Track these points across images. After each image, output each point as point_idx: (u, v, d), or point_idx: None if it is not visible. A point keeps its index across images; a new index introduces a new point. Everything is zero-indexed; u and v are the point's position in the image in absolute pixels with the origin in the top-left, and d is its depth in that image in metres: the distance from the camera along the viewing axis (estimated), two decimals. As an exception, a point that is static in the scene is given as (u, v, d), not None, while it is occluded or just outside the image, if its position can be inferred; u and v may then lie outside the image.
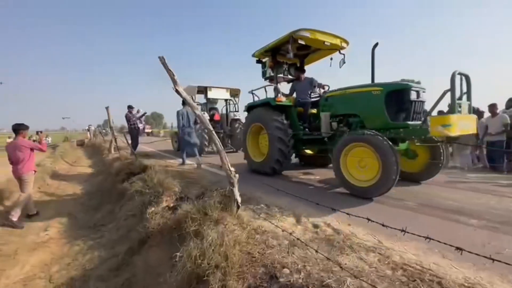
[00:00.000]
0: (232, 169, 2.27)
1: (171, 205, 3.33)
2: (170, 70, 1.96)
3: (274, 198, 3.15)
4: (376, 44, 3.70)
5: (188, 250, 1.82)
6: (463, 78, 3.15)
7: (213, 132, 2.17)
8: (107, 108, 7.95)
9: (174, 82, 1.99)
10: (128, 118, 8.25)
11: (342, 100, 3.95)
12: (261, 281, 1.52)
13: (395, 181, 2.88)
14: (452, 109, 2.84)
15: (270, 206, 2.87)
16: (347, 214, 1.66)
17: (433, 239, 1.11)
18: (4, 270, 2.83)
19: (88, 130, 22.26)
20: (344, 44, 4.58)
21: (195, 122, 6.15)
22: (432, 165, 3.71)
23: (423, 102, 3.46)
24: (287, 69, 5.37)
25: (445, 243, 1.16)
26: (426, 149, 3.74)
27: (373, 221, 1.50)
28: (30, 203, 4.38)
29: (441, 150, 3.62)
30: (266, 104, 4.68)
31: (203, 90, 8.98)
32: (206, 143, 8.16)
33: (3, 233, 3.67)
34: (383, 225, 1.40)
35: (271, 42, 4.54)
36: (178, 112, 5.97)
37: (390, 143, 2.90)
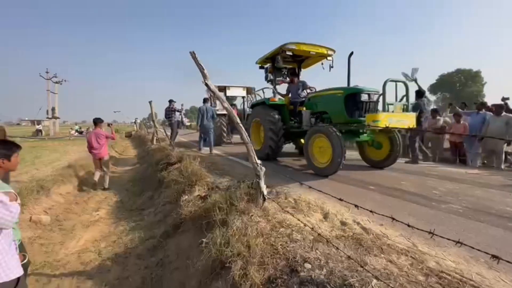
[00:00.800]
0: (259, 161, 2.29)
1: (203, 194, 3.50)
2: (200, 64, 2.03)
3: (301, 192, 3.11)
4: (351, 53, 4.53)
5: (214, 238, 1.90)
6: (403, 84, 4.02)
7: (241, 125, 2.21)
8: (150, 102, 8.57)
9: (204, 76, 2.06)
10: (168, 111, 8.89)
11: (317, 101, 4.83)
12: (281, 273, 1.53)
13: (340, 162, 3.75)
14: (383, 109, 3.69)
15: (298, 201, 2.83)
16: (371, 212, 1.57)
17: (465, 244, 0.99)
18: (64, 242, 3.29)
19: (135, 122, 24.36)
20: (330, 52, 5.47)
21: (213, 117, 7.29)
22: (392, 155, 4.52)
23: (374, 102, 4.14)
24: (285, 73, 6.27)
25: (478, 250, 1.04)
26: (388, 142, 4.54)
27: (398, 221, 1.39)
28: (107, 180, 5.75)
29: (398, 142, 4.42)
30: (263, 103, 5.71)
31: (222, 88, 9.91)
32: (225, 134, 9.20)
33: (64, 212, 4.25)
34: (408, 226, 1.29)
35: (268, 53, 5.56)
36: (199, 108, 7.25)
37: (338, 133, 3.79)
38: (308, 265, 1.57)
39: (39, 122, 21.82)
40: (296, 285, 1.41)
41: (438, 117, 6.58)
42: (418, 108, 5.46)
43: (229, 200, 2.32)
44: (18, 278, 1.11)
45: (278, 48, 5.22)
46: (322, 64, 5.78)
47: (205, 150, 7.19)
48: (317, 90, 5.36)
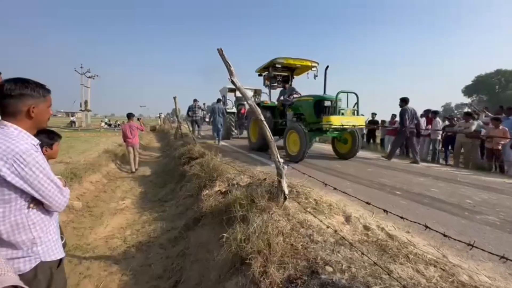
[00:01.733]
0: (281, 160, 2.27)
1: (223, 190, 3.56)
2: (227, 61, 2.05)
3: (323, 194, 3.05)
4: (327, 67, 5.96)
5: (234, 233, 1.93)
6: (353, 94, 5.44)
7: (264, 123, 2.20)
8: (174, 98, 8.81)
9: (231, 73, 2.07)
10: (192, 109, 10.05)
11: (298, 104, 6.17)
12: (301, 273, 1.52)
13: (305, 152, 5.08)
14: (336, 113, 5.15)
15: (319, 202, 2.79)
16: (401, 218, 1.50)
17: (510, 260, 0.92)
18: (93, 228, 3.50)
19: (159, 117, 25.28)
20: (314, 64, 6.78)
21: (223, 114, 8.99)
22: (355, 149, 5.73)
23: (335, 107, 5.30)
24: (280, 80, 7.73)
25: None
26: (351, 138, 5.78)
27: (433, 229, 1.31)
28: (137, 163, 7.05)
29: (356, 139, 5.64)
30: (258, 104, 6.80)
31: (233, 90, 11.27)
32: (233, 129, 10.70)
33: (94, 199, 4.53)
34: (444, 235, 1.22)
35: (263, 64, 7.05)
36: (213, 107, 8.98)
37: (305, 131, 5.07)
38: (329, 268, 1.54)
39: (72, 114, 23.35)
40: (316, 287, 1.40)
41: (471, 121, 6.14)
42: (405, 113, 5.77)
43: (250, 197, 2.34)
44: (61, 259, 1.19)
45: (270, 61, 6.70)
46: (307, 74, 7.06)
47: (222, 143, 8.72)
48: (301, 95, 6.59)
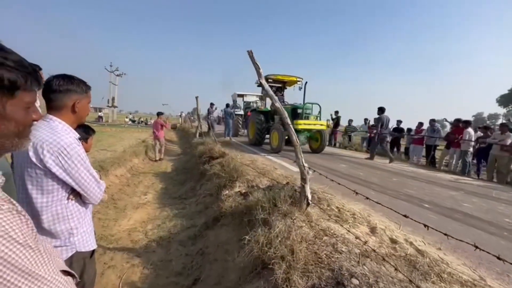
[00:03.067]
0: (306, 165, 2.23)
1: (243, 191, 3.56)
2: (256, 63, 2.04)
3: (345, 201, 2.95)
4: (306, 82, 7.97)
5: (256, 236, 1.91)
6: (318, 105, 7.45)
7: (291, 126, 2.17)
8: (196, 97, 8.98)
9: (259, 75, 2.07)
10: (209, 112, 11.37)
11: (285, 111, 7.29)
12: (326, 284, 1.46)
13: (282, 145, 6.83)
14: (302, 118, 6.92)
15: (342, 210, 2.70)
16: (445, 235, 1.40)
17: None
18: (117, 220, 3.64)
19: (180, 116, 25.95)
20: (299, 79, 8.66)
21: (232, 116, 10.94)
22: (323, 145, 7.44)
23: (307, 114, 7.16)
24: (275, 90, 9.33)
25: None
26: (320, 137, 7.46)
27: (484, 250, 1.21)
28: (162, 153, 8.41)
29: (323, 138, 7.35)
30: (255, 109, 9.37)
31: (242, 95, 13.81)
32: (240, 128, 12.83)
33: (118, 192, 4.71)
34: (475, 247, 1.12)
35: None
36: (225, 111, 10.88)
37: (283, 130, 6.55)
38: (355, 281, 1.47)
39: (100, 110, 24.56)
40: (342, 300, 1.34)
41: (508, 133, 5.70)
42: (379, 120, 7.03)
43: (272, 201, 2.31)
44: (93, 251, 1.24)
45: (264, 76, 8.45)
46: (294, 87, 9.22)
47: (228, 138, 10.35)
48: (287, 103, 8.68)
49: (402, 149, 9.58)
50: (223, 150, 5.34)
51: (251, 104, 12.28)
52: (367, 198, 2.09)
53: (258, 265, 1.78)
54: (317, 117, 7.35)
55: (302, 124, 6.80)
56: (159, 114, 8.75)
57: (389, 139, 9.80)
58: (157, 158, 8.05)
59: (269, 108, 8.85)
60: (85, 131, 1.88)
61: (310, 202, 2.27)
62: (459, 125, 7.25)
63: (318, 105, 7.49)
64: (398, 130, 9.18)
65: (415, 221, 1.58)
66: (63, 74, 1.11)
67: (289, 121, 2.19)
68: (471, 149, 6.87)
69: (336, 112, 11.42)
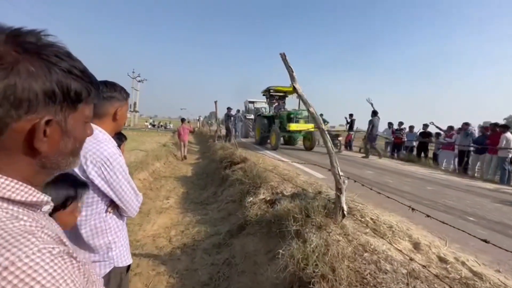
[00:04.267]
0: (341, 173, 2.08)
1: (268, 198, 3.45)
2: (289, 66, 1.95)
3: (378, 212, 2.76)
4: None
5: (290, 250, 1.79)
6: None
7: (325, 132, 2.04)
8: (215, 102, 9.04)
9: (292, 79, 1.96)
10: (227, 116, 11.50)
11: (282, 116, 9.58)
12: (376, 310, 1.31)
13: (279, 144, 8.73)
14: (292, 121, 8.88)
15: (377, 222, 2.51)
16: (485, 241, 1.21)
17: None
18: (142, 225, 3.64)
19: (198, 120, 26.39)
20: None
21: (241, 120, 13.20)
22: (313, 144, 9.10)
23: (298, 118, 8.98)
24: (277, 98, 11.07)
25: None
26: (311, 138, 9.10)
27: None
28: (185, 152, 9.57)
29: (313, 138, 9.06)
30: (260, 115, 11.33)
31: (252, 102, 16.18)
32: (250, 130, 14.24)
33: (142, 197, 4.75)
34: None
35: (263, 89, 11.04)
36: (236, 116, 12.73)
37: (278, 131, 8.71)
38: (409, 308, 1.31)
39: (123, 114, 25.48)
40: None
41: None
42: (371, 123, 8.19)
43: (304, 211, 2.18)
44: (129, 265, 1.18)
45: (266, 88, 10.80)
46: (292, 95, 10.78)
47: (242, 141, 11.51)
48: (285, 110, 10.36)
49: (428, 153, 9.04)
50: (244, 155, 5.27)
51: (260, 109, 14.05)
52: (428, 216, 1.87)
53: (295, 282, 1.65)
54: (306, 121, 9.05)
55: (294, 126, 8.74)
56: (183, 120, 10.50)
57: (415, 144, 9.38)
58: (182, 157, 9.35)
59: (271, 114, 10.66)
60: (118, 138, 1.87)
61: (346, 214, 2.12)
62: (496, 130, 6.73)
63: (308, 110, 9.68)
64: (426, 134, 8.69)
65: (494, 245, 1.37)
66: (105, 80, 1.06)
67: (323, 127, 2.07)
68: (510, 155, 6.34)
69: (351, 115, 11.08)
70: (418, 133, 9.33)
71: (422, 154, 8.62)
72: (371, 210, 2.85)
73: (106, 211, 1.04)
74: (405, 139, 9.64)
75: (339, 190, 2.07)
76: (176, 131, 21.98)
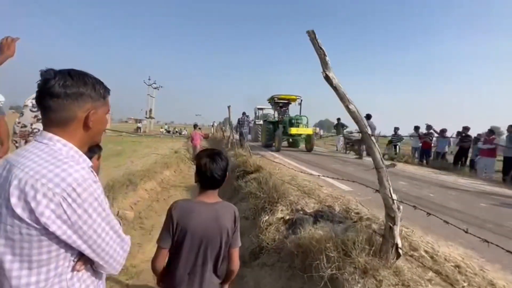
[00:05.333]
0: (395, 196, 1.49)
1: (287, 217, 2.88)
2: (320, 48, 1.40)
3: (430, 239, 2.11)
4: (301, 100, 11.59)
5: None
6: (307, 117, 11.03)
7: (372, 138, 1.47)
8: (229, 107, 8.62)
9: (324, 64, 1.42)
10: (241, 122, 11.53)
11: (285, 121, 10.56)
12: None
13: (280, 146, 9.81)
14: (293, 126, 9.98)
15: (436, 259, 1.86)
16: None
17: None
18: (142, 245, 3.18)
19: (212, 125, 26.25)
20: (298, 97, 11.49)
21: (248, 125, 12.84)
22: (312, 146, 10.21)
23: (298, 123, 10.19)
24: (281, 105, 11.83)
25: None
26: (310, 141, 10.17)
27: None
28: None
29: (311, 140, 10.18)
30: (265, 120, 12.65)
31: (261, 108, 16.45)
32: (259, 135, 13.78)
33: (146, 209, 4.32)
34: None
35: (269, 97, 11.91)
36: (244, 120, 12.15)
37: (281, 134, 9.77)
38: None
39: (140, 121, 25.93)
40: None
41: None
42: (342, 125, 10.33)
43: (341, 246, 1.59)
44: None
45: (271, 96, 11.67)
46: (295, 102, 11.74)
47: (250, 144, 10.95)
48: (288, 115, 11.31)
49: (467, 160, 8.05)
50: (258, 163, 4.73)
51: (268, 115, 15.31)
52: (508, 251, 1.26)
53: None
54: (305, 125, 10.47)
55: (294, 130, 9.78)
56: (195, 126, 11.08)
57: (447, 149, 8.42)
58: (194, 161, 9.63)
59: (276, 119, 11.70)
60: (89, 149, 1.38)
61: (402, 253, 1.51)
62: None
63: (306, 117, 11.00)
64: (465, 138, 7.71)
65: None
66: (69, 69, 0.68)
67: (366, 130, 1.50)
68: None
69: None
70: (455, 137, 8.38)
71: (462, 162, 7.67)
72: (422, 238, 2.21)
73: (73, 270, 0.66)
74: (434, 143, 8.71)
75: (391, 219, 1.47)
76: (190, 137, 22.25)
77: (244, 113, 11.93)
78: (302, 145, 11.13)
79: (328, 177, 4.05)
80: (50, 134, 0.66)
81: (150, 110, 24.44)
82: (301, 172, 4.12)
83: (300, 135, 10.24)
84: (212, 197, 1.24)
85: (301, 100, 11.72)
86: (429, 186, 4.53)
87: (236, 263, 1.25)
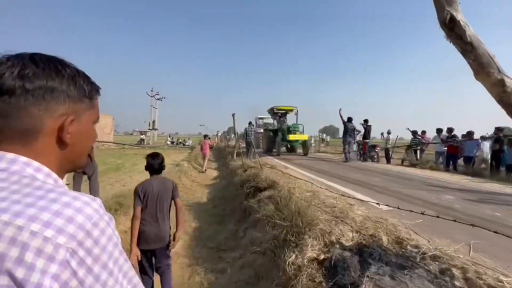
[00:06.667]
0: None
1: (321, 256, 2.09)
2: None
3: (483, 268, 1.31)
4: (297, 111, 13.92)
5: None
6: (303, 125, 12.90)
7: None
8: (233, 115, 7.98)
9: (439, 7, 0.66)
10: (248, 132, 10.96)
11: (283, 128, 12.43)
12: None
13: (280, 151, 11.72)
14: (291, 133, 11.77)
15: None
16: None
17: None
18: None
19: (216, 135, 25.68)
20: (295, 108, 13.67)
21: (255, 135, 13.07)
22: (307, 150, 12.12)
23: (295, 130, 12.10)
24: (279, 116, 13.70)
25: None
26: (306, 145, 12.10)
27: None
28: (205, 166, 9.86)
29: (307, 145, 12.11)
30: (266, 129, 14.37)
31: (262, 118, 18.01)
32: (260, 142, 14.95)
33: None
34: None
35: (269, 108, 14.27)
36: (254, 129, 12.00)
37: (280, 141, 11.70)
38: None
39: (143, 133, 25.55)
40: None
41: None
42: (354, 129, 9.68)
43: None
44: None
45: (271, 108, 13.71)
46: (292, 112, 13.71)
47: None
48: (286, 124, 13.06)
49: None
50: (272, 177, 3.95)
51: (268, 124, 16.52)
52: None
53: None
54: (301, 132, 12.08)
55: (292, 137, 11.26)
56: (205, 136, 11.31)
57: (477, 154, 7.58)
58: (204, 170, 9.59)
59: (275, 128, 13.17)
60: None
61: None
62: None
63: (302, 125, 12.71)
64: (498, 141, 6.84)
65: None
66: (32, 53, 0.44)
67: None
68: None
69: (365, 121, 10.07)
70: (489, 139, 7.50)
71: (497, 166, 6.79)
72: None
73: None
74: (458, 146, 7.85)
75: None
76: (194, 148, 21.63)
77: (250, 123, 11.65)
78: (299, 150, 12.85)
79: (360, 195, 3.26)
80: (10, 155, 0.40)
81: (154, 122, 23.99)
82: (327, 189, 3.33)
83: (297, 141, 11.78)
84: (158, 177, 2.21)
85: (297, 111, 13.60)
86: (482, 200, 3.69)
87: (179, 206, 2.28)
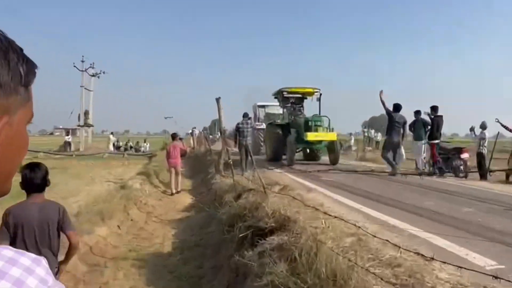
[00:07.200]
0: None
1: None
2: None
3: None
4: (320, 94, 14.36)
5: None
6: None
7: None
8: (217, 99, 7.83)
9: None
10: (241, 129, 10.55)
11: (298, 123, 13.41)
12: None
13: (293, 158, 12.62)
14: (310, 130, 12.52)
15: None
16: None
17: None
18: None
19: (192, 134, 25.43)
20: (316, 90, 14.37)
21: (253, 133, 14.68)
22: (336, 157, 12.95)
23: (317, 126, 12.64)
24: (293, 101, 14.58)
25: None
26: (334, 149, 12.67)
27: None
28: (179, 183, 10.29)
29: (335, 149, 12.67)
30: (271, 123, 15.79)
31: (263, 106, 19.35)
32: (262, 144, 16.60)
33: None
34: None
35: (275, 91, 15.48)
36: (250, 125, 12.23)
37: (293, 141, 12.49)
38: None
39: (68, 132, 25.57)
40: None
41: None
42: (404, 123, 10.30)
43: None
44: None
45: (278, 90, 14.35)
46: (311, 98, 14.43)
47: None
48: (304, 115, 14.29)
49: None
50: (284, 211, 3.71)
51: (272, 116, 17.79)
52: None
53: None
54: (327, 128, 12.02)
55: (312, 136, 11.15)
56: (174, 136, 11.43)
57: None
58: (174, 191, 9.93)
59: (285, 121, 13.66)
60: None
61: None
62: None
63: (327, 117, 12.81)
64: None
65: None
66: None
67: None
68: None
69: (433, 109, 10.09)
70: None
71: None
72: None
73: None
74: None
75: None
76: (155, 155, 21.01)
77: (246, 115, 11.44)
78: (325, 158, 13.23)
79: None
80: None
81: (86, 113, 23.85)
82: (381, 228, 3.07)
83: (320, 142, 11.87)
84: (38, 198, 2.42)
85: (320, 94, 13.78)
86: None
87: (73, 244, 2.57)
